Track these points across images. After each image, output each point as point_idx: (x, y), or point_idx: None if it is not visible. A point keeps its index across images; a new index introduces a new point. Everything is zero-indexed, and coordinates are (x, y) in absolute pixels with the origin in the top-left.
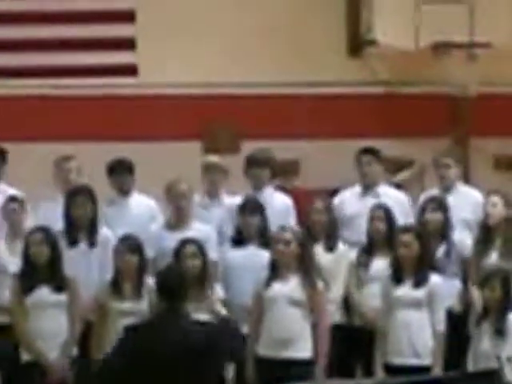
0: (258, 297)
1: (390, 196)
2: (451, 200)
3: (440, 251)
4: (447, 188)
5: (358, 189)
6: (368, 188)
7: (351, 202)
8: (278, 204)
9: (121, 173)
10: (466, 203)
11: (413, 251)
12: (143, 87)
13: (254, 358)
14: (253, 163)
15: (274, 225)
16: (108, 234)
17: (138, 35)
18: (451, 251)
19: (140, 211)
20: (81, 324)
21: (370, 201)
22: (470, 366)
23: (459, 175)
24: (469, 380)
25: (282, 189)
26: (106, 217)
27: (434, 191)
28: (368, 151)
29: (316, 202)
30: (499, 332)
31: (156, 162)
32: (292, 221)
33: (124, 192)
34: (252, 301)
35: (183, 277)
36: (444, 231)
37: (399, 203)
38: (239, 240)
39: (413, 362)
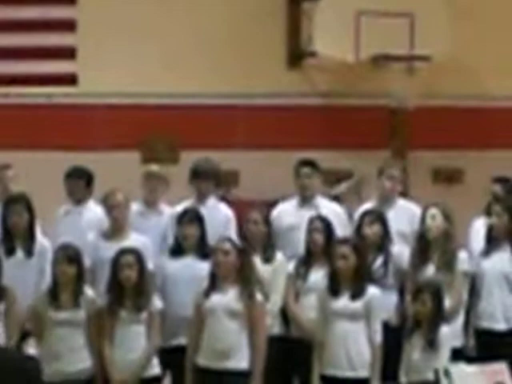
0: (197, 308)
1: (327, 208)
2: (390, 215)
3: (378, 263)
4: (387, 199)
5: (295, 201)
6: (305, 200)
7: (288, 214)
8: (221, 215)
9: (73, 180)
10: (404, 215)
11: (350, 263)
12: (82, 96)
13: (193, 369)
14: (197, 175)
15: (216, 236)
16: (45, 243)
17: (79, 44)
18: (389, 263)
19: (92, 220)
20: (17, 333)
21: (308, 213)
22: (403, 379)
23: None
24: None
25: (224, 199)
26: (58, 225)
27: (372, 203)
28: (307, 163)
29: (252, 213)
30: (430, 344)
31: (94, 171)
32: (232, 232)
33: (75, 200)
34: (192, 312)
35: None
36: (382, 243)
37: (335, 215)
38: (177, 250)
39: (349, 374)
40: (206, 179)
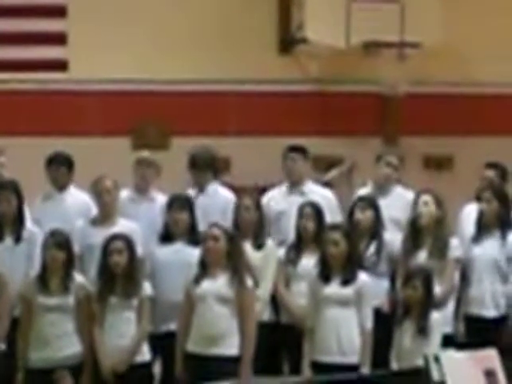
0: (187, 294)
1: (317, 193)
2: (384, 202)
3: (371, 250)
4: (383, 186)
5: (284, 187)
6: (294, 186)
7: (277, 200)
8: (222, 201)
9: (56, 166)
10: (400, 205)
11: (341, 249)
12: (73, 82)
13: (183, 355)
14: (195, 164)
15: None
16: (34, 229)
17: (69, 30)
18: (381, 250)
19: (73, 207)
20: (8, 319)
21: (296, 199)
22: (393, 365)
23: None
24: (395, 378)
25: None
26: (40, 211)
27: (368, 189)
28: (294, 149)
29: (244, 199)
30: (421, 330)
31: (85, 157)
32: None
33: (58, 186)
34: (183, 298)
35: None
36: (374, 230)
37: (325, 201)
38: (167, 236)
39: (339, 360)
40: (204, 169)
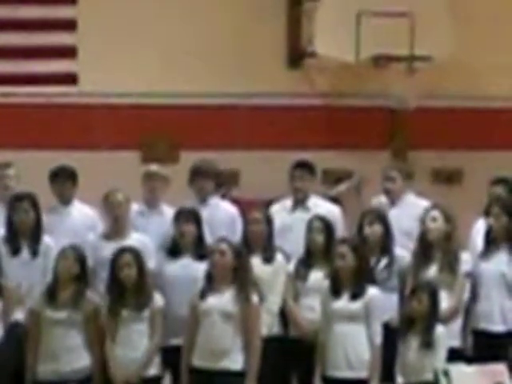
0: (193, 309)
1: (321, 208)
2: (396, 212)
3: (382, 265)
4: (392, 201)
5: (288, 202)
6: (299, 202)
7: (281, 215)
8: (223, 214)
9: (61, 180)
10: (412, 215)
11: (348, 263)
12: (83, 96)
13: (188, 369)
14: (197, 174)
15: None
16: (50, 242)
17: (79, 44)
18: (392, 265)
19: (80, 220)
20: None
21: (300, 215)
22: (399, 379)
23: (404, 188)
24: None
25: (228, 198)
26: (46, 225)
27: (379, 200)
28: (300, 165)
29: (254, 213)
30: (426, 344)
31: (95, 171)
32: (238, 230)
33: (64, 200)
34: (188, 313)
35: None
36: (384, 244)
37: (330, 215)
38: (175, 250)
39: (348, 374)
40: (206, 178)
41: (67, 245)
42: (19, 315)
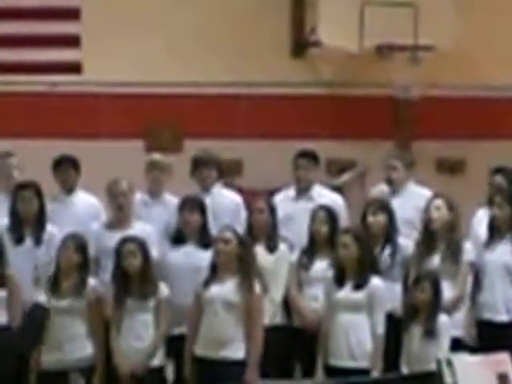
0: (196, 297)
1: (325, 197)
2: (398, 202)
3: (385, 254)
4: (394, 190)
5: (292, 192)
6: (302, 191)
7: (284, 205)
8: (227, 202)
9: (64, 169)
10: (414, 204)
11: (351, 252)
12: (87, 85)
13: (191, 358)
14: (199, 164)
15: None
16: (53, 231)
17: (83, 33)
18: (395, 254)
19: (83, 209)
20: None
21: (304, 204)
22: (403, 368)
23: (406, 177)
24: (407, 382)
25: (231, 186)
26: (49, 213)
27: (380, 188)
28: (304, 155)
29: (257, 202)
30: (429, 333)
31: (98, 160)
32: (242, 218)
33: (67, 189)
34: (192, 301)
35: None
36: (387, 234)
37: (333, 205)
38: (179, 239)
39: (350, 364)
40: (209, 168)
41: (68, 234)
42: (41, 297)
